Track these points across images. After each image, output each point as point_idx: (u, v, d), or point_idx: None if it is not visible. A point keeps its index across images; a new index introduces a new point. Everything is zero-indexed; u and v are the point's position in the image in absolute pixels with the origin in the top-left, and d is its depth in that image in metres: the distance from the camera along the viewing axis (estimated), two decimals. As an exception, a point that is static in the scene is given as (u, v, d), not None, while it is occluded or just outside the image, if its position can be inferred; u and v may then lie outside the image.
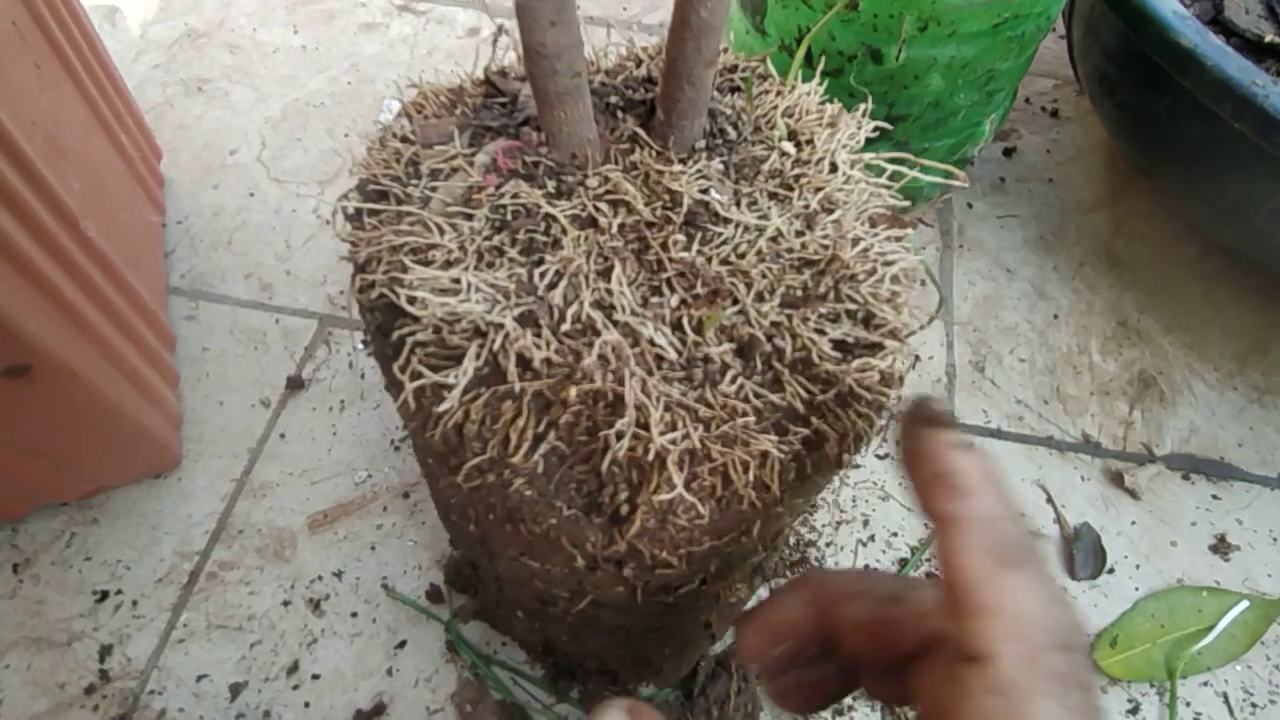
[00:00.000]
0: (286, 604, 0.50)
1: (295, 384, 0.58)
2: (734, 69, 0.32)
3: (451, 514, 0.31)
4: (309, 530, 0.52)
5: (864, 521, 0.54)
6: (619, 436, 0.22)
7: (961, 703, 0.18)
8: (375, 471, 0.55)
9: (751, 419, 0.23)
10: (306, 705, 0.46)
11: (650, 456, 0.22)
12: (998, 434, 0.58)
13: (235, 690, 0.47)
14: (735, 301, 0.25)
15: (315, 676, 0.47)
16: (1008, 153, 0.73)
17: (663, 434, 0.22)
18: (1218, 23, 0.59)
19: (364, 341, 0.60)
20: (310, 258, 0.65)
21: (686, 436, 0.23)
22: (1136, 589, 0.51)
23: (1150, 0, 0.52)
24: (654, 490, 0.22)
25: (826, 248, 0.26)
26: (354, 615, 0.49)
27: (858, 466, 0.56)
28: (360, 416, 0.57)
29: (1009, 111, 0.63)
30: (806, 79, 0.32)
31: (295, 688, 0.47)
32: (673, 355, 0.24)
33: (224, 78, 0.76)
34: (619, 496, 0.23)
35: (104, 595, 0.50)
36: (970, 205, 0.70)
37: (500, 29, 0.33)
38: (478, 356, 0.23)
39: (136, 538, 0.52)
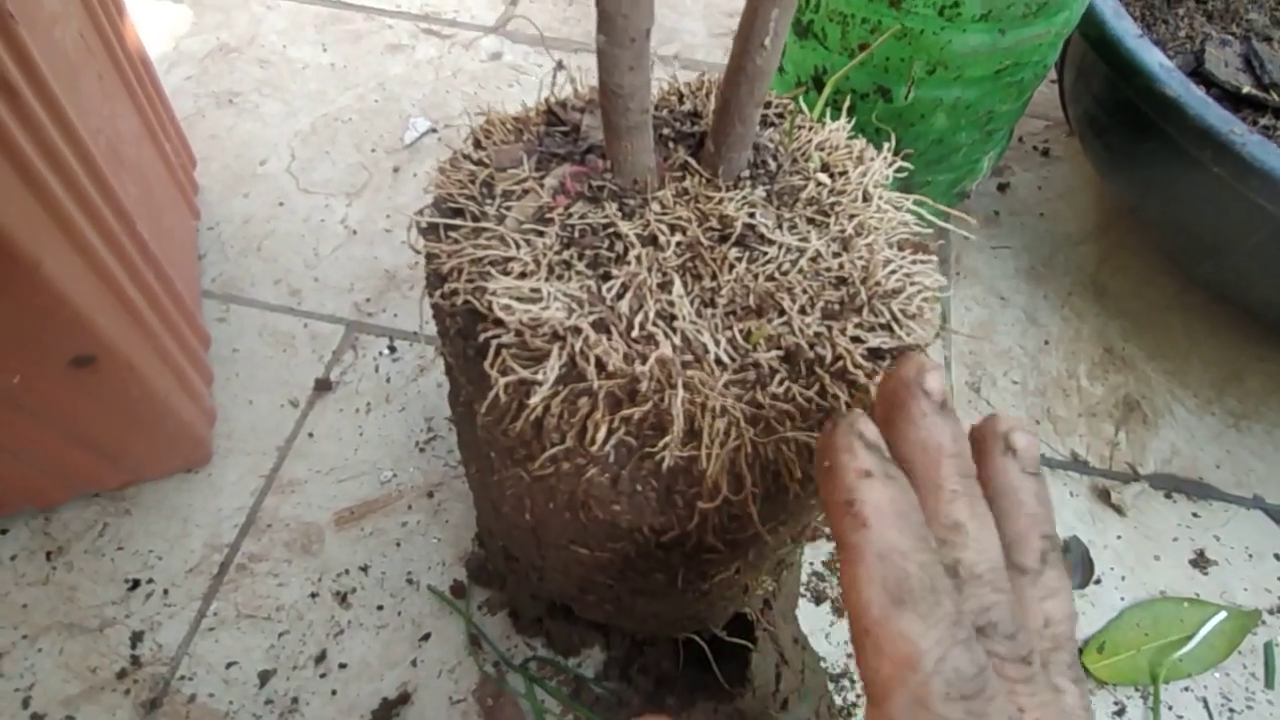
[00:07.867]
0: (314, 596, 0.51)
1: (323, 386, 0.60)
2: (768, 105, 0.36)
3: (504, 505, 0.34)
4: (336, 526, 0.54)
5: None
6: (666, 447, 0.25)
7: None
8: (400, 471, 0.57)
9: (798, 417, 0.26)
10: (334, 693, 0.48)
11: (703, 464, 0.25)
12: (992, 451, 0.61)
13: (264, 678, 0.48)
14: (781, 313, 0.28)
15: (342, 665, 0.49)
16: (1002, 188, 0.77)
17: (713, 443, 0.25)
18: (1199, 74, 0.64)
19: (390, 348, 0.63)
20: (338, 266, 0.67)
21: (739, 439, 0.25)
22: (1122, 599, 0.55)
23: (1138, 53, 0.57)
24: (705, 500, 0.25)
25: (861, 267, 0.29)
26: (380, 608, 0.51)
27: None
28: (386, 419, 0.59)
29: (1005, 150, 0.67)
30: (834, 117, 0.36)
31: (323, 676, 0.49)
32: (726, 360, 0.27)
33: (255, 91, 0.79)
34: (676, 494, 0.26)
35: (135, 584, 0.51)
36: (967, 236, 0.74)
37: (559, 64, 0.36)
38: (559, 357, 0.25)
39: (168, 529, 0.53)
